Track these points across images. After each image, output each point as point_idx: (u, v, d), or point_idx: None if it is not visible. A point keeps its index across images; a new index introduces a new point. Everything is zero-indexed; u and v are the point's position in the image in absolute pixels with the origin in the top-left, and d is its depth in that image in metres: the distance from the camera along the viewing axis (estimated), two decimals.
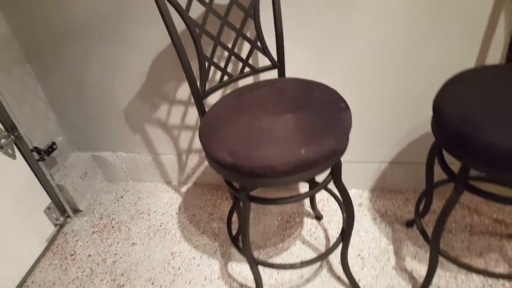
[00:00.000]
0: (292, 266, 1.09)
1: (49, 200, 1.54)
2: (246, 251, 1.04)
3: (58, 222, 1.58)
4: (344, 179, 1.00)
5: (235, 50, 1.05)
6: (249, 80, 1.26)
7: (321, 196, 1.54)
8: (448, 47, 1.10)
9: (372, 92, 1.25)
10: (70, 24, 1.29)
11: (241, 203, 0.97)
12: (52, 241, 1.55)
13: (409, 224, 1.37)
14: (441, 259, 1.25)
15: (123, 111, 1.52)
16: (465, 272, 1.21)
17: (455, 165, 0.87)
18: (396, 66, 1.18)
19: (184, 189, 1.71)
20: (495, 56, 1.08)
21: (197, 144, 1.56)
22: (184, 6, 0.91)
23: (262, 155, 0.82)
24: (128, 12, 1.22)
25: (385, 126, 1.33)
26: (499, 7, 1.01)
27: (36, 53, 1.41)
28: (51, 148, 1.49)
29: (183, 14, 0.91)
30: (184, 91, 1.39)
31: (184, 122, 1.49)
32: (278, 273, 1.30)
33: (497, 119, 0.76)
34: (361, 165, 1.44)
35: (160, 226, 1.55)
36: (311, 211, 1.48)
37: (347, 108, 0.91)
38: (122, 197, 1.72)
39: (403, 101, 1.25)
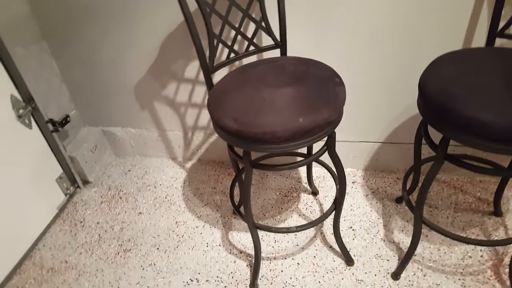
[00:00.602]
0: (288, 230, 1.19)
1: (61, 170, 1.64)
2: (247, 214, 1.14)
3: (68, 191, 1.68)
4: (341, 157, 1.09)
5: (241, 30, 1.13)
6: (253, 58, 1.35)
7: (318, 173, 1.64)
8: (438, 30, 1.19)
9: (367, 71, 1.34)
10: (85, 3, 1.38)
11: (244, 171, 1.06)
12: (62, 209, 1.65)
13: (398, 200, 1.46)
14: (426, 232, 1.35)
15: (133, 88, 1.61)
16: (448, 244, 1.31)
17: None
18: (390, 47, 1.26)
19: (188, 164, 1.81)
20: (480, 41, 1.17)
21: (203, 121, 1.65)
22: None
23: (264, 122, 0.91)
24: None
25: (379, 106, 1.42)
26: (479, 3, 1.10)
27: (52, 31, 1.49)
28: (65, 120, 1.58)
29: None
30: (191, 69, 1.48)
31: (191, 100, 1.58)
32: (275, 241, 1.40)
33: (474, 94, 0.85)
34: (356, 144, 1.54)
35: (166, 197, 1.65)
36: (308, 187, 1.58)
37: (341, 83, 1.00)
38: (129, 170, 1.82)
39: (397, 81, 1.34)
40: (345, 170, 1.62)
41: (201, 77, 1.50)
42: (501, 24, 1.04)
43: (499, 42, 1.11)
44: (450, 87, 0.89)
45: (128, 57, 1.51)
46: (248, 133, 0.92)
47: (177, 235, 1.48)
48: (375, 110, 1.43)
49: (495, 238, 1.30)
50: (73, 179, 1.70)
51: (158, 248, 1.43)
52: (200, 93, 1.55)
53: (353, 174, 1.61)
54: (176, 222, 1.53)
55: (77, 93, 1.69)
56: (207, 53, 1.07)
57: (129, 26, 1.41)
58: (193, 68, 1.48)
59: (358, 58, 1.31)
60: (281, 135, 0.90)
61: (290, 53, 1.27)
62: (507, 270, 1.21)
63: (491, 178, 1.50)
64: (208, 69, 1.08)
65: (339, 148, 1.52)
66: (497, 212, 1.37)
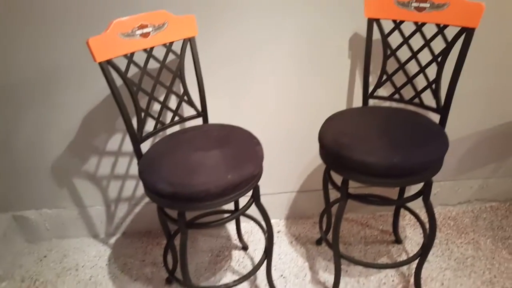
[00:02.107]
0: (226, 286, 1.24)
1: None
2: (185, 278, 1.17)
3: None
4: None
5: (166, 103, 1.26)
6: (179, 127, 1.46)
7: (246, 229, 1.74)
8: (329, 96, 1.48)
9: (279, 131, 1.55)
10: None
11: (177, 234, 1.12)
12: None
13: (318, 242, 1.63)
14: (346, 268, 1.52)
15: (50, 167, 1.57)
16: (365, 275, 1.49)
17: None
18: (296, 112, 1.51)
19: (112, 240, 1.75)
20: (359, 101, 1.49)
21: (127, 192, 1.66)
22: (123, 68, 1.11)
23: (197, 182, 1.01)
24: (56, 76, 1.37)
25: (292, 159, 1.63)
26: (354, 70, 1.43)
27: None
28: None
29: (123, 75, 1.11)
30: (114, 141, 1.53)
31: (114, 172, 1.60)
32: None
33: (359, 143, 1.10)
34: (276, 196, 1.70)
35: (90, 279, 1.56)
36: (239, 243, 1.66)
37: (258, 143, 1.17)
38: (45, 256, 1.68)
39: (304, 137, 1.57)
40: None
41: (124, 148, 1.55)
42: (370, 88, 1.35)
43: (372, 102, 1.42)
44: (341, 138, 1.12)
45: (46, 134, 1.49)
46: (183, 194, 1.01)
47: None
48: (288, 163, 1.63)
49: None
50: None
51: None
52: (124, 164, 1.59)
53: (277, 224, 1.76)
54: None
55: None
56: (135, 125, 1.17)
57: (47, 102, 1.42)
58: (116, 140, 1.53)
59: (269, 121, 1.52)
60: (214, 191, 1.01)
61: (211, 120, 1.43)
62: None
63: (388, 212, 1.78)
64: (137, 140, 1.17)
65: (262, 201, 1.67)
66: (398, 240, 1.62)
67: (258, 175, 1.12)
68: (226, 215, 1.16)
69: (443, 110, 1.20)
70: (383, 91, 1.46)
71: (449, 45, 1.15)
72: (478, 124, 1.58)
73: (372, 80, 1.43)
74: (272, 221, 1.77)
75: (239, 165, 1.07)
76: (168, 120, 1.32)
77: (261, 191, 1.20)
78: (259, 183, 1.15)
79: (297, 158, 1.62)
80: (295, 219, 1.78)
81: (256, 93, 1.46)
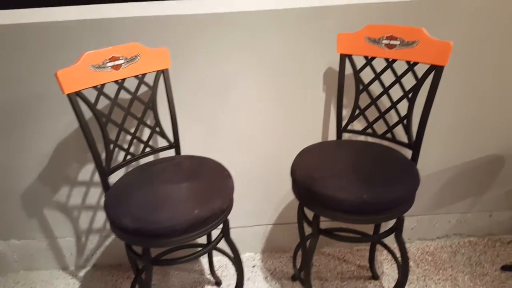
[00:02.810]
0: None
1: None
2: None
3: None
4: (239, 243, 1.19)
5: (137, 133, 1.25)
6: (150, 158, 1.44)
7: (220, 262, 1.68)
8: (303, 128, 1.48)
9: (251, 163, 1.54)
10: None
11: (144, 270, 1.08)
12: None
13: (293, 278, 1.59)
14: None
15: (19, 196, 1.52)
16: None
17: (322, 222, 1.15)
18: (267, 144, 1.50)
19: (82, 273, 1.68)
20: (333, 135, 1.49)
21: (98, 223, 1.61)
22: (93, 100, 1.10)
23: (162, 217, 0.98)
24: (28, 106, 1.35)
25: (267, 191, 1.60)
26: (328, 104, 1.44)
27: None
28: None
29: (92, 106, 1.10)
30: (86, 171, 1.50)
31: (86, 202, 1.55)
32: None
33: (330, 178, 1.09)
34: (251, 229, 1.67)
35: None
36: (212, 278, 1.60)
37: (229, 175, 1.15)
38: None
39: (278, 170, 1.56)
40: (244, 254, 1.71)
41: (96, 178, 1.51)
42: (344, 122, 1.36)
43: (347, 135, 1.43)
44: (312, 173, 1.11)
45: (16, 162, 1.46)
46: (148, 230, 0.98)
47: None
48: (264, 195, 1.61)
49: None
50: None
51: None
52: (95, 195, 1.55)
53: (252, 258, 1.71)
54: None
55: None
56: (103, 156, 1.14)
57: (19, 131, 1.40)
58: (88, 171, 1.50)
59: (243, 153, 1.51)
60: (180, 227, 0.98)
61: (183, 152, 1.41)
62: None
63: (366, 246, 1.75)
64: (104, 172, 1.14)
65: (237, 234, 1.64)
66: (375, 276, 1.58)
67: (227, 209, 1.10)
68: (199, 248, 1.12)
69: (415, 145, 1.20)
70: (358, 125, 1.47)
71: (419, 82, 1.16)
72: (454, 158, 1.59)
73: (346, 114, 1.44)
74: (247, 254, 1.72)
75: (207, 199, 1.05)
76: (139, 151, 1.30)
77: (236, 223, 1.17)
78: (231, 216, 1.13)
79: (273, 190, 1.60)
80: (271, 252, 1.74)
81: (230, 125, 1.45)
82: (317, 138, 1.50)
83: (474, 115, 1.50)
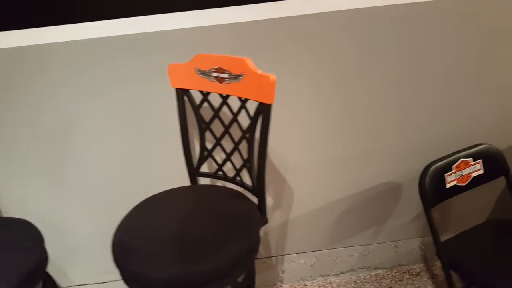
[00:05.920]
0: None
1: None
2: None
3: None
4: None
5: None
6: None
7: None
8: (151, 174, 1.29)
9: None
10: None
11: None
12: None
13: None
14: None
15: None
16: None
17: None
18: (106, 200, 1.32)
19: None
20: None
21: None
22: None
23: None
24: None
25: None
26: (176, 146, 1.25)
27: None
28: None
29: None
30: None
31: None
32: None
33: (142, 246, 0.89)
34: None
35: None
36: None
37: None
38: None
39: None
40: None
41: None
42: (195, 165, 1.17)
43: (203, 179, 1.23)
44: (127, 240, 0.92)
45: None
46: None
47: None
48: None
49: None
50: None
51: None
52: None
53: None
54: None
55: None
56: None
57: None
58: None
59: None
60: None
61: None
62: None
63: None
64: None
65: None
66: None
67: None
68: None
69: (258, 190, 1.02)
70: (213, 168, 1.26)
71: (254, 121, 0.98)
72: (347, 189, 1.42)
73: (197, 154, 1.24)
74: None
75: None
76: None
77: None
78: None
79: None
80: None
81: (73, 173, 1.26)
82: (170, 185, 1.28)
83: (366, 144, 1.33)
